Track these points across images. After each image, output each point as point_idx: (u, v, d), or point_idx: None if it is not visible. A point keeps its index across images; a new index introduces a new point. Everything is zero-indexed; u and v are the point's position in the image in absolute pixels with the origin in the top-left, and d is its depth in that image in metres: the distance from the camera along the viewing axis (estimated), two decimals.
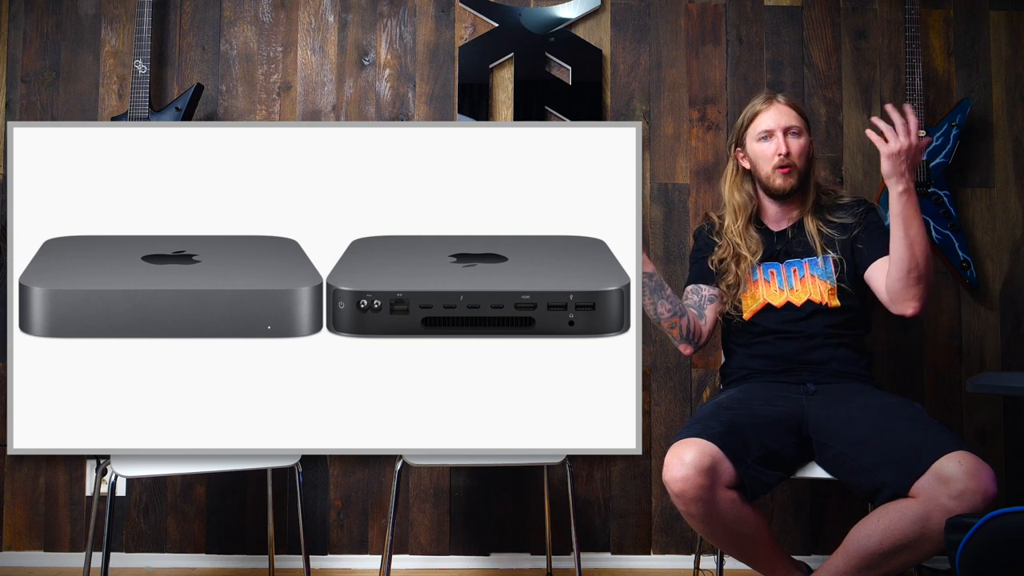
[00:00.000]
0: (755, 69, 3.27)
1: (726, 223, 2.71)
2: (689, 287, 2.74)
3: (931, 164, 3.15)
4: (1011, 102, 3.27)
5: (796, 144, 2.59)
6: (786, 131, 2.58)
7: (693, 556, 3.02)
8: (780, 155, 2.56)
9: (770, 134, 2.59)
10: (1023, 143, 3.26)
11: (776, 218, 2.68)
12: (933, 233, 3.14)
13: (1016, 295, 3.22)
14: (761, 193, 2.68)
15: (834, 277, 2.55)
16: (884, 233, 2.51)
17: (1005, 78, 3.28)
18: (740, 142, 2.69)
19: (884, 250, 2.47)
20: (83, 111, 3.24)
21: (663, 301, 2.56)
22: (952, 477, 2.07)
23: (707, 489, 2.21)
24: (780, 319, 2.59)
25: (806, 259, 2.60)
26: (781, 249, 2.64)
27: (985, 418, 3.20)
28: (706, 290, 2.69)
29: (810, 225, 2.61)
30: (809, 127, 2.66)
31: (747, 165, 2.68)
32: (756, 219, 2.71)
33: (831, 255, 2.56)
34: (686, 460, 2.22)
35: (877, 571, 2.16)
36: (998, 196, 3.25)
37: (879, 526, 2.14)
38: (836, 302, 2.55)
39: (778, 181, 2.59)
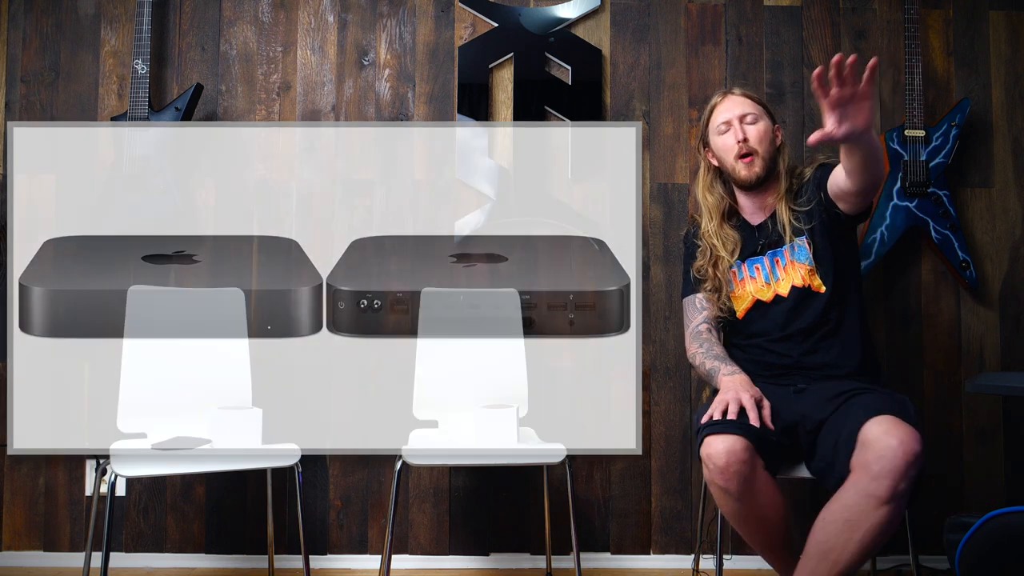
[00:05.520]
0: (755, 69, 3.27)
1: (702, 226, 2.70)
2: (700, 295, 2.69)
3: (931, 164, 3.15)
4: (1011, 102, 3.27)
5: (753, 130, 2.59)
6: (741, 119, 2.60)
7: (692, 556, 3.02)
8: (739, 142, 2.57)
9: (728, 125, 2.61)
10: (1023, 143, 3.26)
11: (752, 210, 2.67)
12: (933, 233, 3.14)
13: (1015, 295, 3.22)
14: (735, 187, 2.67)
15: (810, 257, 2.53)
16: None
17: (1005, 78, 3.28)
18: (706, 141, 2.70)
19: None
20: (83, 111, 3.24)
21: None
22: (872, 439, 2.12)
23: (749, 465, 2.22)
24: (772, 317, 2.57)
25: (785, 246, 2.58)
26: (763, 242, 2.62)
27: (985, 418, 3.20)
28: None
29: (781, 213, 2.59)
30: (771, 114, 2.66)
31: (716, 163, 2.68)
32: (733, 215, 2.70)
33: (801, 239, 2.54)
34: (728, 440, 2.23)
35: (840, 562, 2.15)
36: (998, 196, 3.25)
37: (822, 520, 2.18)
38: (819, 282, 2.53)
39: (742, 172, 2.60)
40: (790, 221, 2.56)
